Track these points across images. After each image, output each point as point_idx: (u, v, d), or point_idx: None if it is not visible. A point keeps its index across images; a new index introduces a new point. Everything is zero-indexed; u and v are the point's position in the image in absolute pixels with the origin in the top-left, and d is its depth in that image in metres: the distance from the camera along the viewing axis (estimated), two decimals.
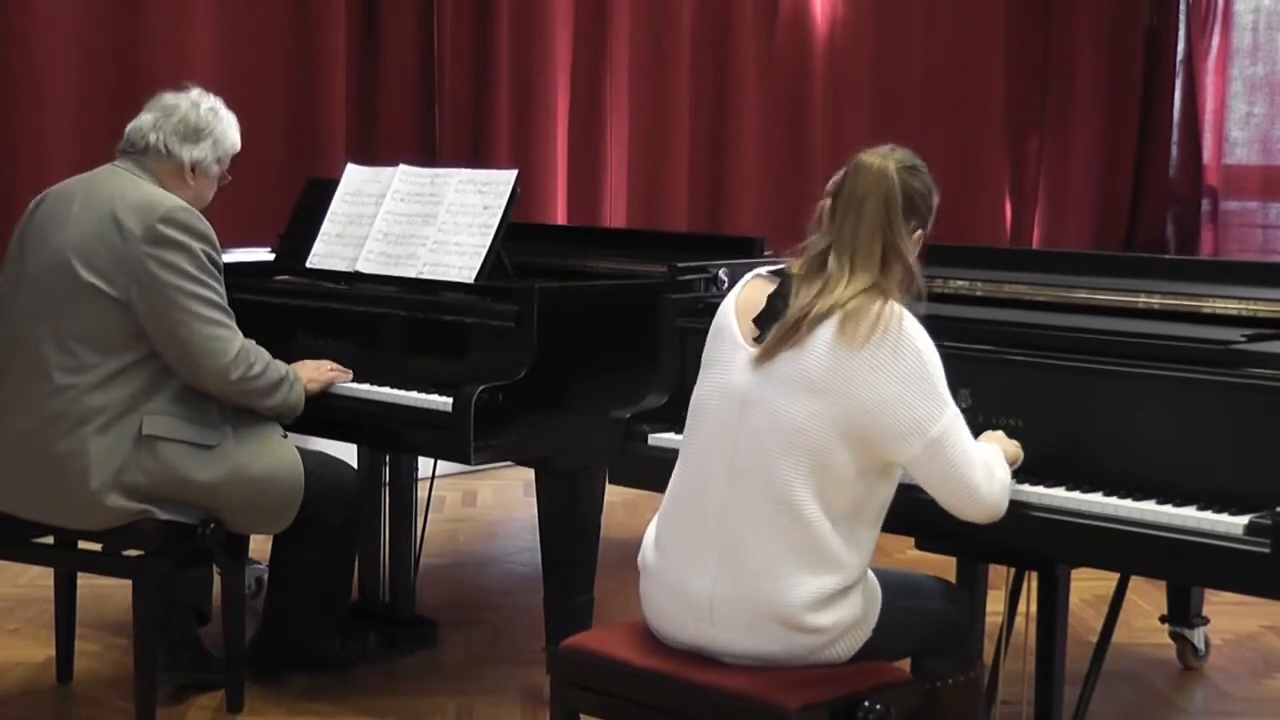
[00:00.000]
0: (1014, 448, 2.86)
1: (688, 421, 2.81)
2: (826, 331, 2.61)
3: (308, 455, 3.69)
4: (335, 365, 3.85)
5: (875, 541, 2.72)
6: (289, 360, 3.78)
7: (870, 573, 2.73)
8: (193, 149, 3.65)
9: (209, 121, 3.69)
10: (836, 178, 2.79)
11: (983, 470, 2.65)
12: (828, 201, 2.77)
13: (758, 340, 2.68)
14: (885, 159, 2.74)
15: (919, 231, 2.78)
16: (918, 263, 2.75)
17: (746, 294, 2.78)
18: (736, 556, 2.65)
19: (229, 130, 3.72)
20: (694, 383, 2.83)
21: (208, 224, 3.56)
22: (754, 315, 2.72)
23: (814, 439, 2.60)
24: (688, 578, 2.69)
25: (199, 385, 3.53)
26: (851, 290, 2.63)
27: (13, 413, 3.56)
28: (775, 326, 2.67)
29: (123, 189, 3.57)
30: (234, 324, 3.59)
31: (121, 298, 3.46)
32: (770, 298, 2.73)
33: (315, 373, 3.79)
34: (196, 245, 3.50)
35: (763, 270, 2.82)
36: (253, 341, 3.63)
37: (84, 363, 3.46)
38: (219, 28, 5.71)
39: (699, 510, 2.70)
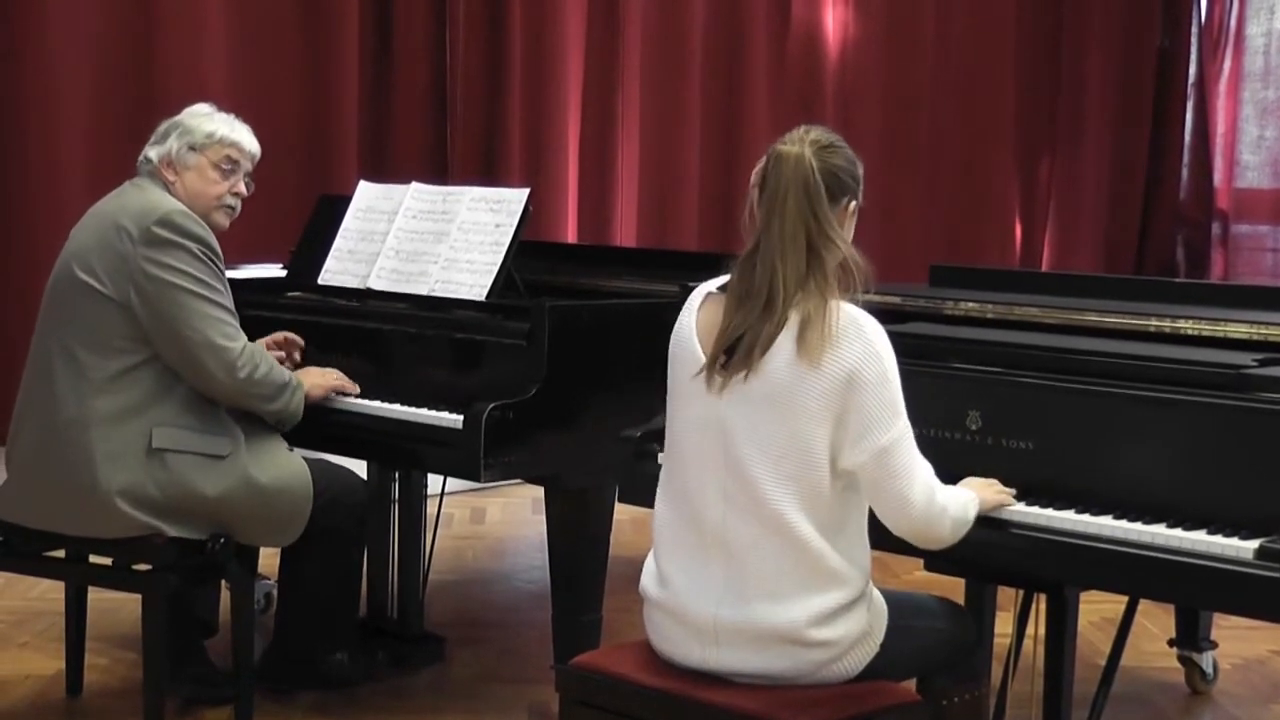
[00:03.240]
0: (1000, 499, 2.83)
1: (666, 455, 2.78)
2: (785, 349, 2.58)
3: (313, 464, 3.70)
4: (341, 374, 3.87)
5: (868, 551, 2.71)
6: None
7: (874, 588, 2.73)
8: (160, 147, 3.71)
9: (177, 120, 3.75)
10: (758, 171, 2.74)
11: (922, 487, 2.62)
12: (755, 193, 2.73)
13: (724, 367, 2.64)
14: (800, 144, 2.69)
15: (852, 204, 2.73)
16: (858, 252, 2.68)
17: (704, 319, 2.72)
18: (740, 580, 2.64)
19: (201, 122, 3.73)
20: None
21: (206, 228, 3.59)
22: (715, 338, 2.68)
23: (797, 459, 2.59)
24: (691, 605, 2.69)
25: (204, 386, 3.55)
26: (791, 299, 2.60)
27: (26, 422, 3.61)
28: (717, 348, 2.64)
29: (127, 200, 3.64)
30: (237, 323, 3.62)
31: (119, 299, 3.49)
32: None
33: (320, 379, 3.81)
34: (194, 245, 3.53)
35: (713, 287, 2.76)
36: (257, 344, 3.67)
37: (86, 367, 3.49)
38: (233, 46, 5.74)
39: (697, 540, 2.69)
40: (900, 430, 2.60)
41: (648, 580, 2.80)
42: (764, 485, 2.60)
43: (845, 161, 2.73)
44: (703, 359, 2.68)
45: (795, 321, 2.59)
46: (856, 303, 2.63)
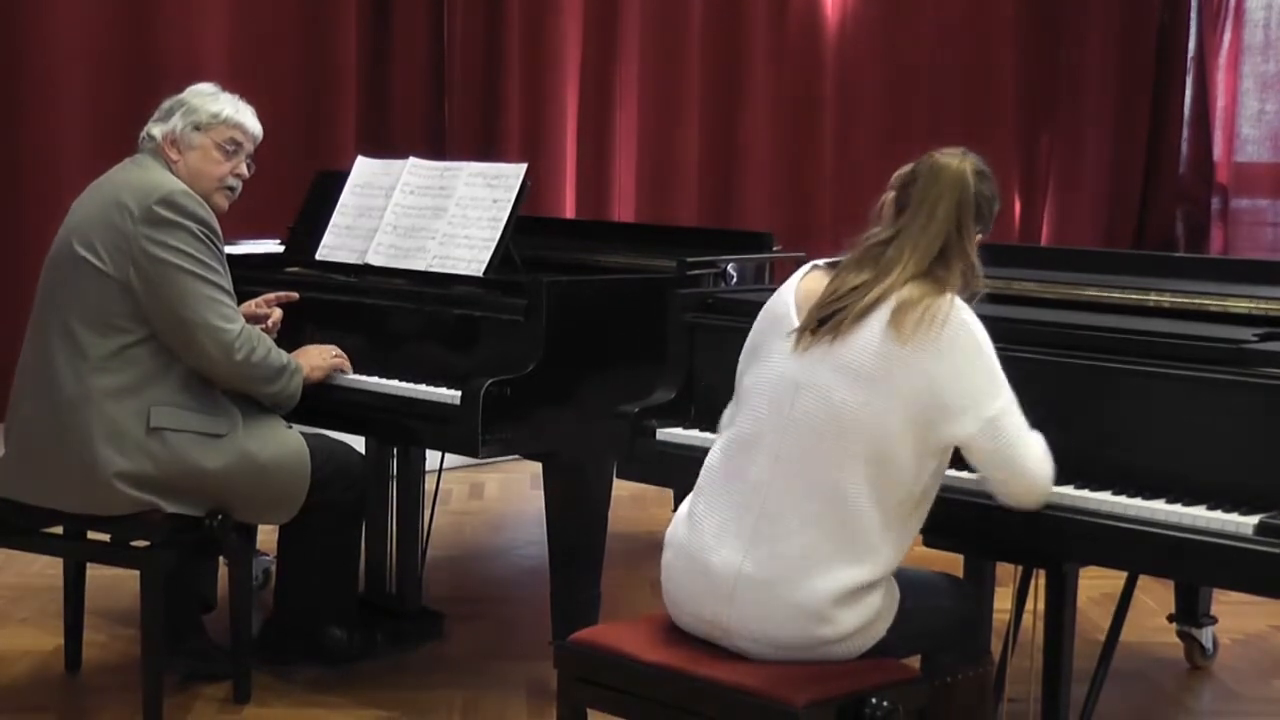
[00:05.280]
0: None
1: (734, 406, 2.81)
2: (878, 321, 2.62)
3: (311, 440, 3.70)
4: (339, 351, 3.86)
5: (913, 538, 2.73)
6: (294, 349, 3.80)
7: (893, 575, 2.73)
8: (164, 125, 3.70)
9: (180, 98, 3.74)
10: (904, 172, 2.80)
11: (1037, 454, 2.67)
12: (891, 194, 2.80)
13: (814, 330, 2.68)
14: (962, 161, 2.77)
15: (979, 234, 2.81)
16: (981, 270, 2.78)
17: (805, 285, 2.78)
18: (772, 540, 2.64)
19: (206, 102, 3.72)
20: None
21: (207, 209, 3.59)
22: (819, 297, 2.73)
23: (872, 429, 2.60)
24: (715, 555, 2.69)
25: (202, 367, 3.55)
26: (904, 280, 2.65)
27: (25, 399, 3.61)
28: (816, 307, 2.69)
29: (129, 176, 3.63)
30: (235, 305, 3.62)
31: (118, 277, 3.49)
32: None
33: (319, 359, 3.81)
34: (194, 226, 3.52)
35: (821, 263, 2.83)
36: (255, 328, 3.66)
37: (84, 345, 3.49)
38: (231, 20, 5.72)
39: (739, 490, 2.70)
40: (1005, 402, 2.63)
41: (677, 524, 2.81)
42: (825, 449, 2.61)
43: (990, 193, 2.83)
44: (795, 319, 2.72)
45: (898, 298, 2.63)
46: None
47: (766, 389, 2.72)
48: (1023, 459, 2.65)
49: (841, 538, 2.62)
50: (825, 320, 2.67)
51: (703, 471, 2.82)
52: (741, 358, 2.86)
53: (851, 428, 2.61)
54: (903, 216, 2.75)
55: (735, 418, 2.79)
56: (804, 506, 2.63)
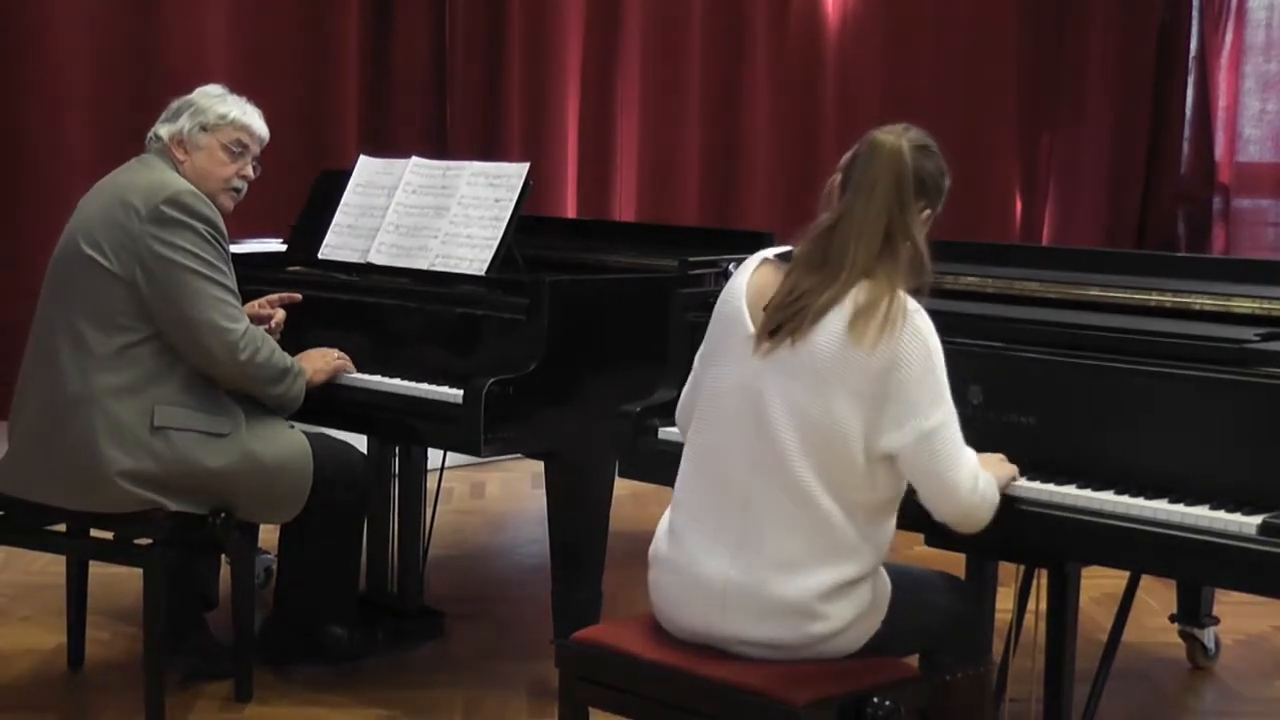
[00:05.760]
0: (1009, 471, 2.84)
1: (698, 411, 2.79)
2: (836, 324, 2.60)
3: (314, 440, 3.71)
4: (342, 354, 3.86)
5: (890, 535, 2.72)
6: (297, 350, 3.80)
7: (881, 566, 2.73)
8: (171, 125, 3.72)
9: (189, 99, 3.77)
10: (848, 155, 2.77)
11: (968, 474, 2.65)
12: (838, 177, 2.76)
13: (772, 333, 2.66)
14: (899, 138, 2.73)
15: (927, 212, 2.76)
16: (926, 245, 2.73)
17: (756, 282, 2.75)
18: (756, 547, 2.65)
19: (214, 103, 3.75)
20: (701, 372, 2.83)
21: (214, 208, 3.60)
22: (764, 304, 2.70)
23: (827, 431, 2.60)
24: (702, 566, 2.69)
25: (206, 366, 3.55)
26: (855, 278, 2.62)
27: (29, 396, 3.62)
28: (771, 310, 2.66)
29: (136, 176, 3.64)
30: (240, 305, 3.63)
31: (124, 275, 3.50)
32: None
33: (321, 362, 3.82)
34: (201, 226, 3.54)
35: (770, 254, 2.79)
36: (259, 329, 3.68)
37: (89, 343, 3.50)
38: (233, 19, 5.72)
39: (719, 501, 2.70)
40: (944, 416, 2.62)
41: (659, 539, 2.81)
42: (791, 454, 2.61)
43: (935, 169, 2.77)
44: (748, 321, 2.70)
45: (854, 301, 2.61)
46: (918, 300, 2.66)
47: (730, 396, 2.70)
48: (952, 475, 2.63)
49: (819, 539, 2.62)
50: (783, 320, 2.65)
51: (677, 485, 2.81)
52: (697, 357, 2.84)
53: (814, 432, 2.60)
54: (845, 199, 2.71)
55: (701, 426, 2.77)
56: (783, 510, 2.63)
